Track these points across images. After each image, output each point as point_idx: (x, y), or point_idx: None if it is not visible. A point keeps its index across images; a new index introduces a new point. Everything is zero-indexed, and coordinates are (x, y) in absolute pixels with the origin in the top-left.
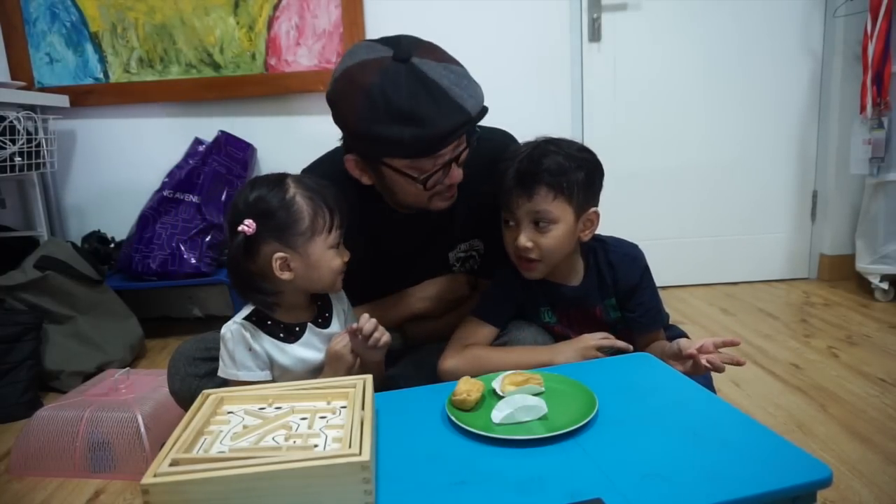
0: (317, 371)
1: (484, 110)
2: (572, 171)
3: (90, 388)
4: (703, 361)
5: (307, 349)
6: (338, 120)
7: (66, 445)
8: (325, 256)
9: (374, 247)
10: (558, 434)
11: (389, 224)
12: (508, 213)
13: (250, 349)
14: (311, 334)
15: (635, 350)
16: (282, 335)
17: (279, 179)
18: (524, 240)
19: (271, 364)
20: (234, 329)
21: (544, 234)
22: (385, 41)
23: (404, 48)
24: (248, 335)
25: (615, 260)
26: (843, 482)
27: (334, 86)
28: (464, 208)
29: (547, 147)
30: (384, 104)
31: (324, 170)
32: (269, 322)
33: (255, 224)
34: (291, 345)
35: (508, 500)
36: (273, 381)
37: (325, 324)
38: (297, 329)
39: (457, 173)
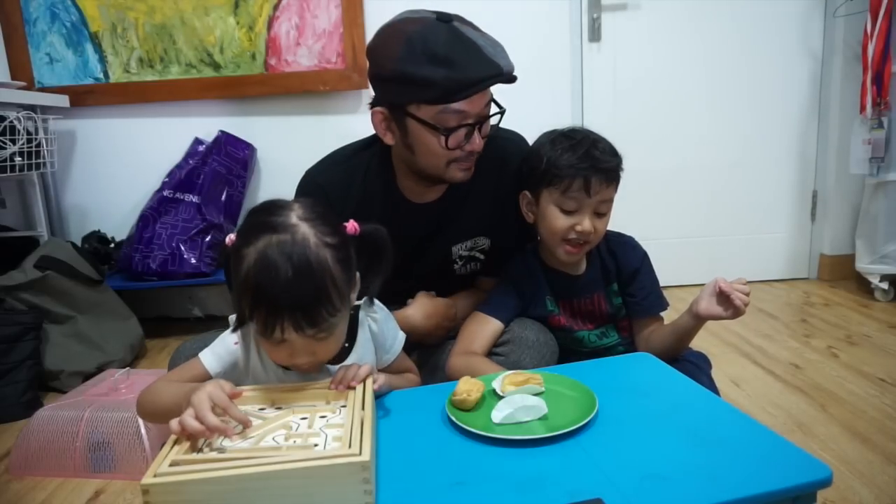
0: None
1: (514, 77)
2: (622, 166)
3: (90, 388)
4: (736, 301)
5: (295, 376)
6: (374, 67)
7: (66, 445)
8: (260, 340)
9: None
10: (558, 434)
11: (399, 212)
12: (574, 200)
13: (229, 350)
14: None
15: (636, 337)
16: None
17: (274, 224)
18: (589, 225)
19: (244, 376)
20: (241, 333)
21: (601, 219)
22: (428, 11)
23: (446, 14)
24: (241, 348)
25: (616, 248)
26: (843, 482)
27: (375, 37)
28: (474, 202)
29: (597, 136)
30: (422, 47)
31: (334, 164)
32: None
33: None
34: (288, 371)
35: (508, 500)
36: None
37: (339, 358)
38: None
39: (478, 141)
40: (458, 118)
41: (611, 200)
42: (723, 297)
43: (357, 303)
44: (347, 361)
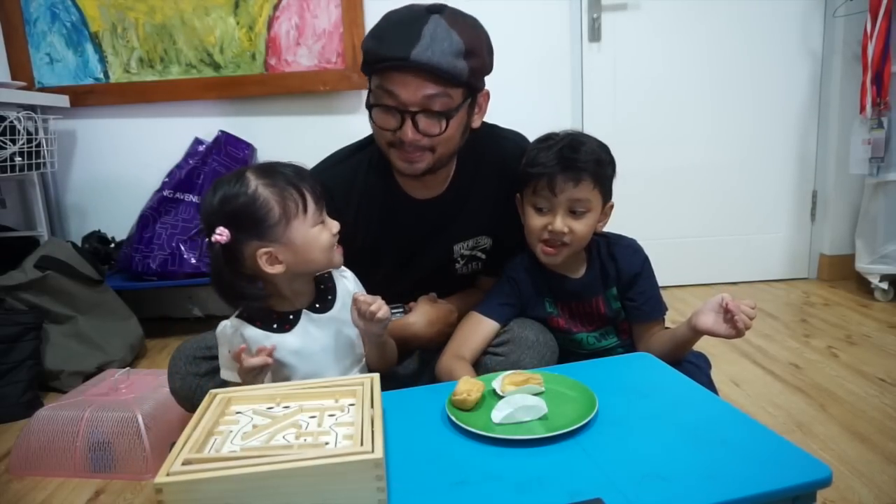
0: (328, 356)
1: (446, 75)
2: (606, 164)
3: (90, 388)
4: (739, 323)
5: (302, 338)
6: None
7: (66, 445)
8: (310, 237)
9: (385, 231)
10: (558, 434)
11: (400, 208)
12: (544, 199)
13: (233, 350)
14: (306, 321)
15: (636, 342)
16: (275, 325)
17: (239, 175)
18: (561, 224)
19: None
20: (219, 330)
21: (578, 220)
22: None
23: (438, 6)
24: (231, 335)
25: (617, 252)
26: (843, 482)
27: None
28: (476, 201)
29: (581, 138)
30: (379, 24)
31: (335, 164)
32: (261, 312)
33: (226, 230)
34: (285, 334)
35: (508, 499)
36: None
37: (326, 308)
38: (292, 317)
39: (408, 132)
40: (389, 98)
41: (586, 200)
42: (727, 315)
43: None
44: (333, 311)
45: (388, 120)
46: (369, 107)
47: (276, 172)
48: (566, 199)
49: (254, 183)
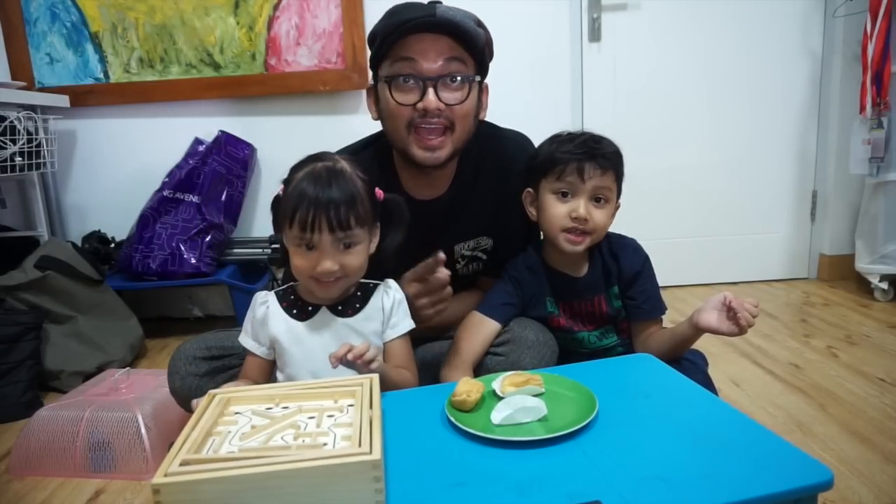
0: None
1: (462, 32)
2: (622, 160)
3: (90, 388)
4: (742, 320)
5: (310, 332)
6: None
7: (66, 445)
8: (292, 250)
9: None
10: (558, 435)
11: None
12: (569, 184)
13: (255, 318)
14: (321, 318)
15: (634, 340)
16: (295, 311)
17: (321, 156)
18: (584, 210)
19: (275, 347)
20: (257, 294)
21: (600, 209)
22: None
23: (438, 2)
24: (260, 303)
25: (618, 250)
26: (843, 482)
27: None
28: (478, 201)
29: (601, 136)
30: (387, 12)
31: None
32: (292, 297)
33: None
34: (299, 322)
35: (508, 501)
36: (275, 364)
37: (346, 313)
38: (311, 309)
39: (432, 98)
40: (409, 67)
41: (608, 189)
42: (730, 313)
43: (378, 282)
44: (351, 319)
45: (408, 94)
46: (388, 80)
47: (316, 175)
48: (592, 185)
49: (304, 171)
